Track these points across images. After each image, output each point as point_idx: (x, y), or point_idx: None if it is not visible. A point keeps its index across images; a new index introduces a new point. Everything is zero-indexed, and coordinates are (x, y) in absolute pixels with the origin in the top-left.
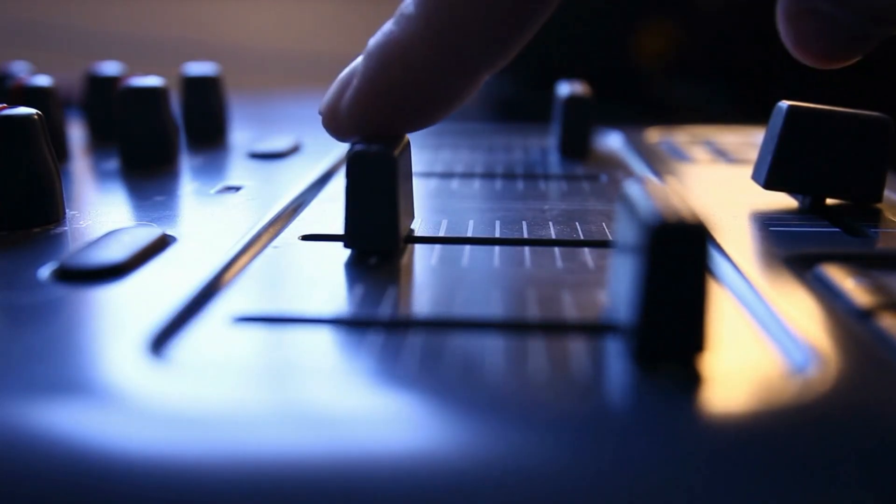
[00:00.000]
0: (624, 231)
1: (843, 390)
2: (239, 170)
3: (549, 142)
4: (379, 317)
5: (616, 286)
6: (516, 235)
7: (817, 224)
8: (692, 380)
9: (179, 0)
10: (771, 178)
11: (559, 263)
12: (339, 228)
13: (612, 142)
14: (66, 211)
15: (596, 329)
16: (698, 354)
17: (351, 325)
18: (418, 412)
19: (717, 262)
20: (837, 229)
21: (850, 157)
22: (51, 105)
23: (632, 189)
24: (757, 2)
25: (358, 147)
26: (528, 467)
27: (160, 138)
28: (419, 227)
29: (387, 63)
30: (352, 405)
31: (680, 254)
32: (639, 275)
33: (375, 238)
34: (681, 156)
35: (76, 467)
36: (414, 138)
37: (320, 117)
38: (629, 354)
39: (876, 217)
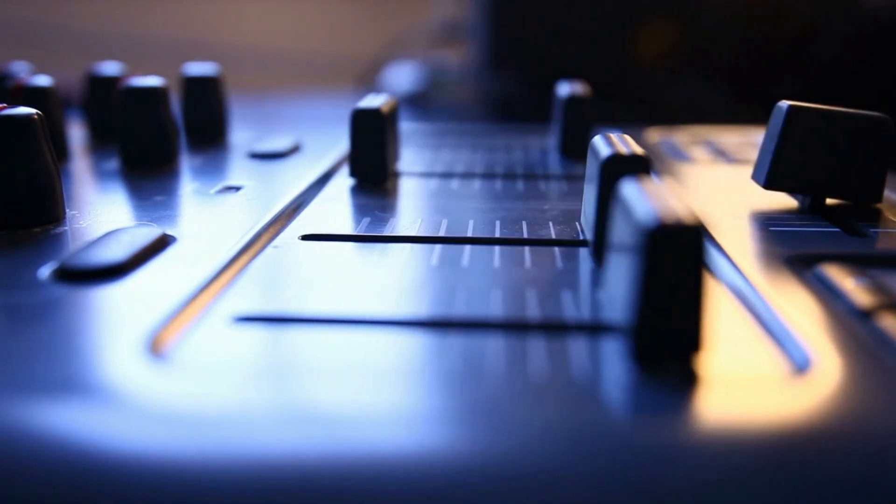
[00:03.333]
0: (620, 231)
1: (843, 390)
2: (239, 170)
3: (549, 142)
4: (379, 316)
5: (613, 286)
6: (516, 235)
7: (817, 224)
8: (692, 380)
9: (179, 0)
10: (771, 178)
11: (559, 263)
12: (338, 228)
13: None
14: (66, 211)
15: (595, 329)
16: (696, 354)
17: (351, 324)
18: (418, 412)
19: (718, 262)
20: (837, 229)
21: (850, 157)
22: (51, 105)
23: (628, 188)
24: (757, 2)
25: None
26: (527, 468)
27: (160, 138)
28: (420, 227)
29: None
30: (352, 405)
31: (677, 254)
32: (636, 275)
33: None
34: (681, 156)
35: (76, 467)
36: (414, 138)
37: None
38: (627, 354)
39: (876, 217)
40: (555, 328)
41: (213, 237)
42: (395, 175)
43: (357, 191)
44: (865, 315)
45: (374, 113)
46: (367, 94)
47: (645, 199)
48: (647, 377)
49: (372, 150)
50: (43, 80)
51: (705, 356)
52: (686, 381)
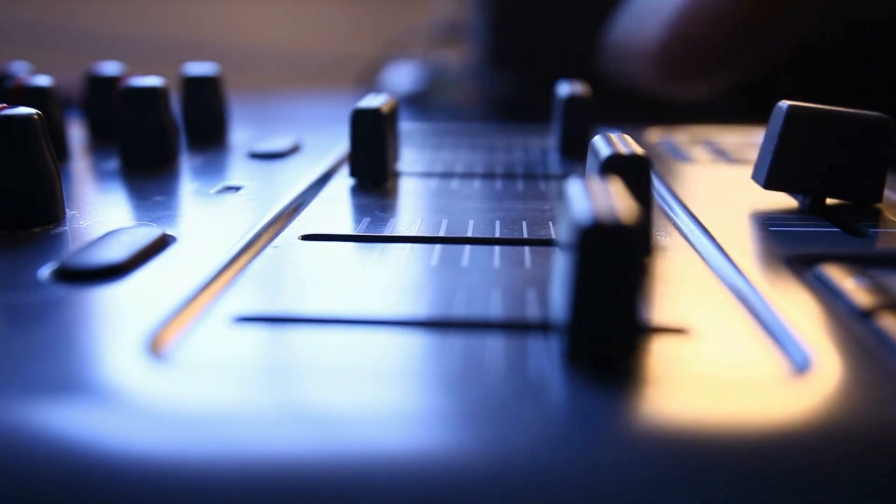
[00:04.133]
0: (562, 229)
1: (843, 390)
2: (239, 170)
3: (549, 142)
4: (379, 317)
5: (555, 284)
6: (516, 235)
7: (817, 224)
8: (692, 380)
9: (179, 0)
10: (771, 178)
11: None
12: (338, 228)
13: None
14: (66, 211)
15: None
16: (627, 355)
17: (351, 324)
18: (418, 412)
19: (718, 262)
20: (837, 229)
21: (850, 157)
22: (51, 105)
23: (572, 187)
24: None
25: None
26: (526, 468)
27: (160, 138)
28: (420, 227)
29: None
30: (352, 405)
31: (606, 253)
32: (569, 273)
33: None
34: (681, 156)
35: (76, 467)
36: (414, 138)
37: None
38: (560, 353)
39: (876, 217)
40: (554, 328)
41: (213, 237)
42: (395, 175)
43: (357, 191)
44: (865, 315)
45: (374, 113)
46: (367, 94)
47: (584, 198)
48: (646, 377)
49: (372, 150)
50: (43, 80)
51: (703, 355)
52: (686, 380)
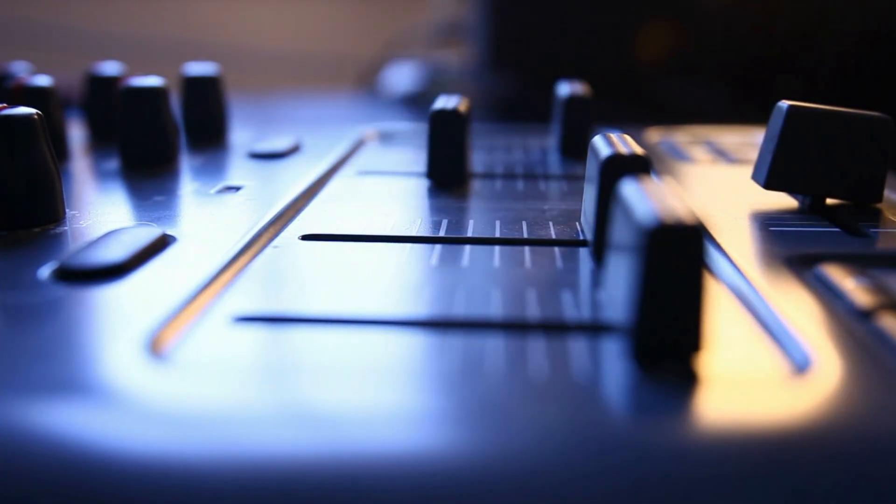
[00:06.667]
0: (620, 231)
1: (843, 390)
2: (239, 170)
3: (549, 142)
4: (379, 316)
5: (613, 286)
6: (516, 235)
7: (817, 224)
8: (692, 380)
9: (179, 0)
10: (771, 178)
11: (559, 263)
12: (339, 228)
13: None
14: (66, 211)
15: (595, 329)
16: (696, 354)
17: (351, 324)
18: (418, 412)
19: (718, 262)
20: (837, 229)
21: (850, 157)
22: (51, 105)
23: (628, 188)
24: (757, 2)
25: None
26: (526, 468)
27: (160, 138)
28: (420, 227)
29: None
30: (352, 405)
31: (677, 254)
32: (636, 275)
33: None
34: (681, 156)
35: (76, 467)
36: (413, 138)
37: None
38: (627, 354)
39: (876, 217)
40: (555, 328)
41: (213, 237)
42: (396, 175)
43: (357, 191)
44: (865, 315)
45: (452, 114)
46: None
47: (645, 199)
48: (647, 377)
49: (450, 152)
50: (43, 80)
51: (705, 356)
52: (686, 381)
